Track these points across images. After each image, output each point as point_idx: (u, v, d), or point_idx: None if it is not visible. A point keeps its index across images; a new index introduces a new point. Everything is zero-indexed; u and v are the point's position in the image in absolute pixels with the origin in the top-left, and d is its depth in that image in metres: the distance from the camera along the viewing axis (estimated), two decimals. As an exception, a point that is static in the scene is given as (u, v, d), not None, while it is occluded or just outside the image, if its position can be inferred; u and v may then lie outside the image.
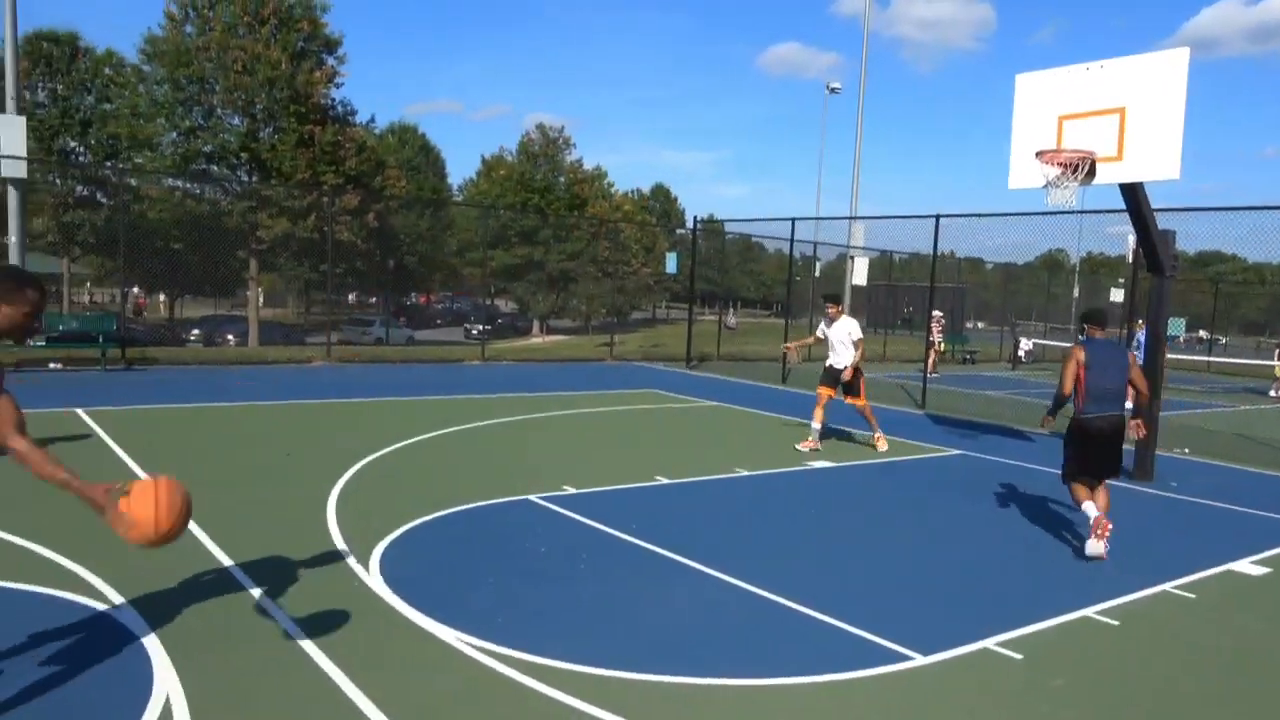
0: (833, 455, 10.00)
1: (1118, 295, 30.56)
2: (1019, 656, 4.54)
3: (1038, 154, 8.96)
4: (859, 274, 23.93)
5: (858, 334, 10.39)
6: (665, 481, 8.19)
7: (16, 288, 3.26)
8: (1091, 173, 8.82)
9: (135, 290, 37.27)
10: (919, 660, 4.42)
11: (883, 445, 10.44)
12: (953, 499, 8.22)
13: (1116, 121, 8.66)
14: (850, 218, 25.05)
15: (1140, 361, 9.32)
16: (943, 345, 24.76)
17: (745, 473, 8.83)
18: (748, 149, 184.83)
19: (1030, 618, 5.06)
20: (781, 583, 5.42)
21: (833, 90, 42.41)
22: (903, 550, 6.45)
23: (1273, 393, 21.76)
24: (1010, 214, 14.91)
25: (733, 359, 23.28)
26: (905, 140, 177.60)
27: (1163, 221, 9.67)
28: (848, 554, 6.30)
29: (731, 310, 39.09)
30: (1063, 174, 8.85)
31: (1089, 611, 5.25)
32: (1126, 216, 9.56)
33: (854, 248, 26.65)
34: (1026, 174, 9.25)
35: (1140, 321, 13.61)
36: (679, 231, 55.23)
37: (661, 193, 69.63)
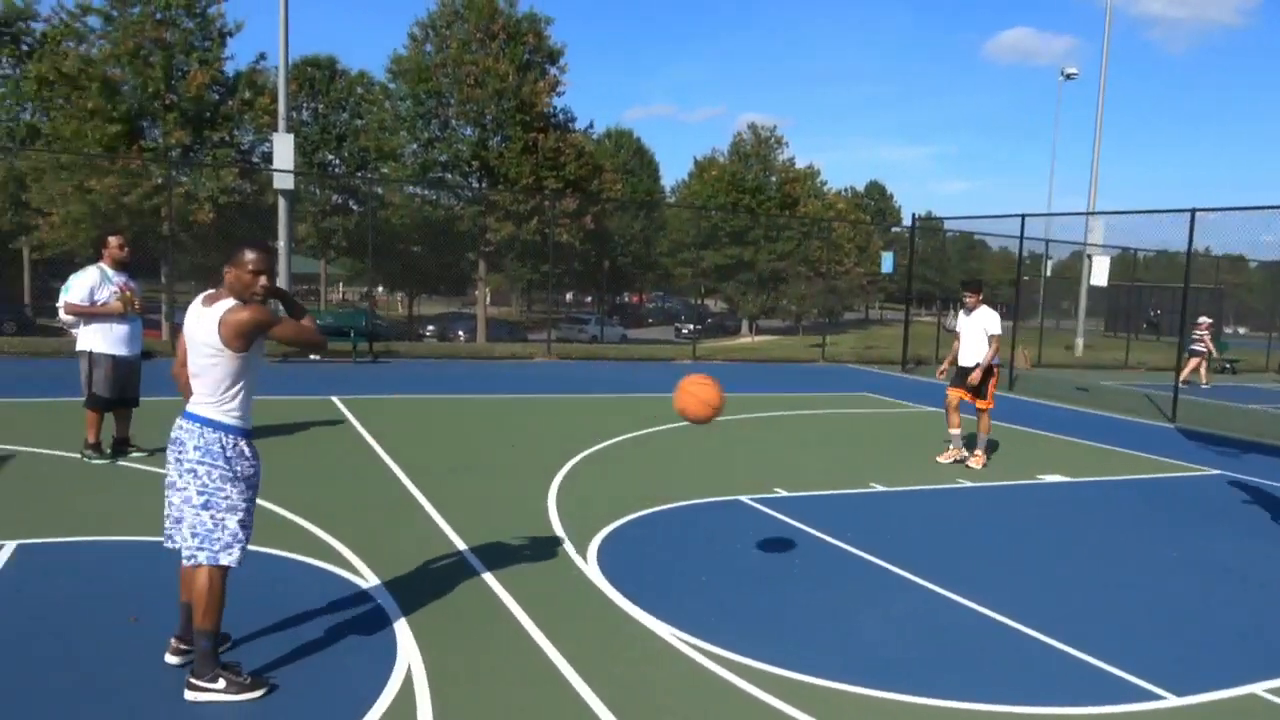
0: (1068, 469, 9.30)
1: None
2: (1296, 707, 4.01)
3: (1324, 137, 7.90)
4: (1098, 274, 22.00)
5: (995, 328, 9.16)
6: (880, 489, 7.93)
7: (237, 249, 3.57)
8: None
9: (379, 289, 40.75)
10: (1171, 700, 4.00)
11: (978, 464, 9.08)
12: (1208, 523, 7.40)
13: None
14: (1088, 213, 23.21)
15: None
16: (1213, 353, 21.52)
17: (967, 484, 8.38)
18: (970, 142, 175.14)
19: (1309, 664, 4.46)
20: (1010, 603, 5.09)
21: (1068, 76, 39.58)
22: (1150, 576, 5.88)
23: None
24: (1281, 207, 13.28)
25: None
26: (1152, 128, 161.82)
27: None
28: (1085, 577, 5.81)
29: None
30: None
31: (1385, 663, 4.56)
32: None
33: (1092, 245, 24.68)
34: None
35: None
36: (895, 230, 53.40)
37: (876, 190, 67.71)
